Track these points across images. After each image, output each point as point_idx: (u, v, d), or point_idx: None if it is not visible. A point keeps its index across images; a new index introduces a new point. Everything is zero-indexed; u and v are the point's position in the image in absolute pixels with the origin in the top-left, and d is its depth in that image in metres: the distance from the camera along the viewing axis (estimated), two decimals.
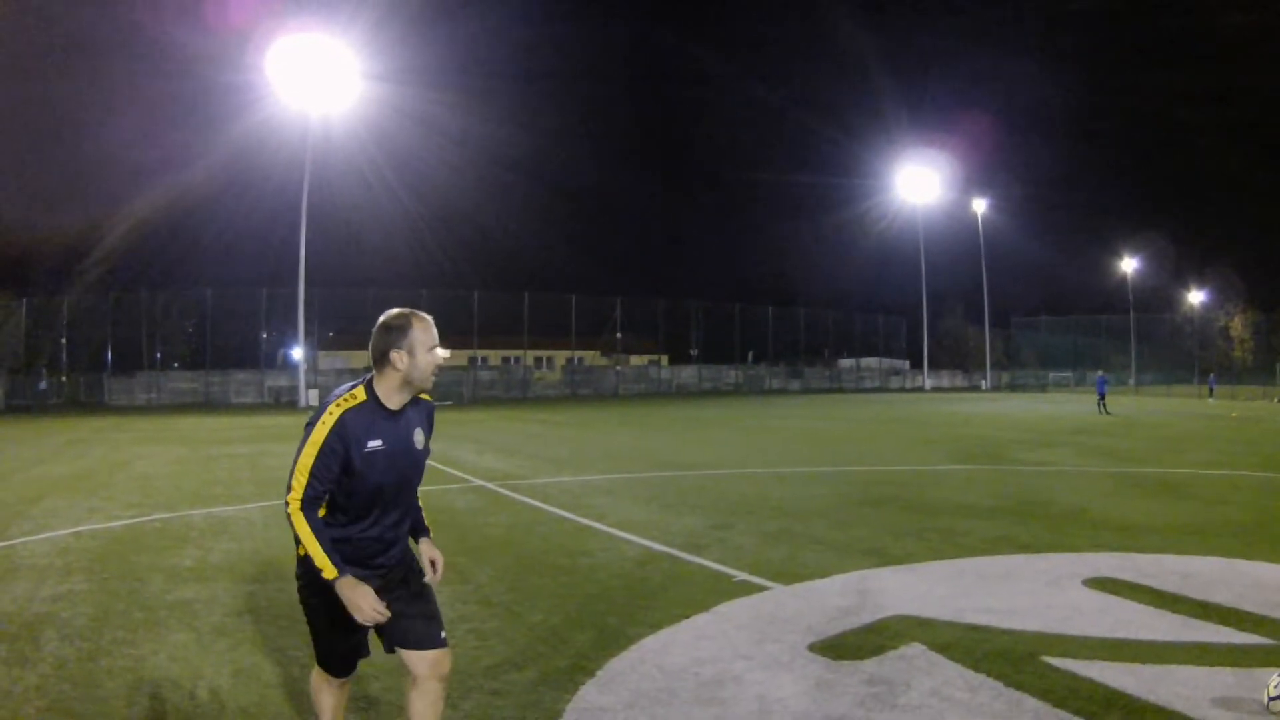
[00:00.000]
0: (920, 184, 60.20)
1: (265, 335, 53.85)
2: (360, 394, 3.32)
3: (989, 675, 5.25)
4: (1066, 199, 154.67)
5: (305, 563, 3.30)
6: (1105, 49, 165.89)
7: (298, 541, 3.27)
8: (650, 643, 5.82)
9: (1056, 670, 5.45)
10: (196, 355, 54.24)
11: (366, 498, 3.37)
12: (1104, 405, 36.17)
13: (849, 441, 20.49)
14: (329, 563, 3.20)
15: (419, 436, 3.49)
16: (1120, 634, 6.17)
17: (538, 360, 64.09)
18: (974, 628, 6.23)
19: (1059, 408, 40.37)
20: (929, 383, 59.95)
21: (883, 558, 8.36)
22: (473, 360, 57.37)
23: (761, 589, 7.14)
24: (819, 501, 11.54)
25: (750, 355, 58.16)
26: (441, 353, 3.39)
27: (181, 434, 25.20)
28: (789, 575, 7.58)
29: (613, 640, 5.85)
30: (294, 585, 3.53)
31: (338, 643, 3.52)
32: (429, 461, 3.73)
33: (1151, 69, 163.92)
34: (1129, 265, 76.72)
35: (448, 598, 6.45)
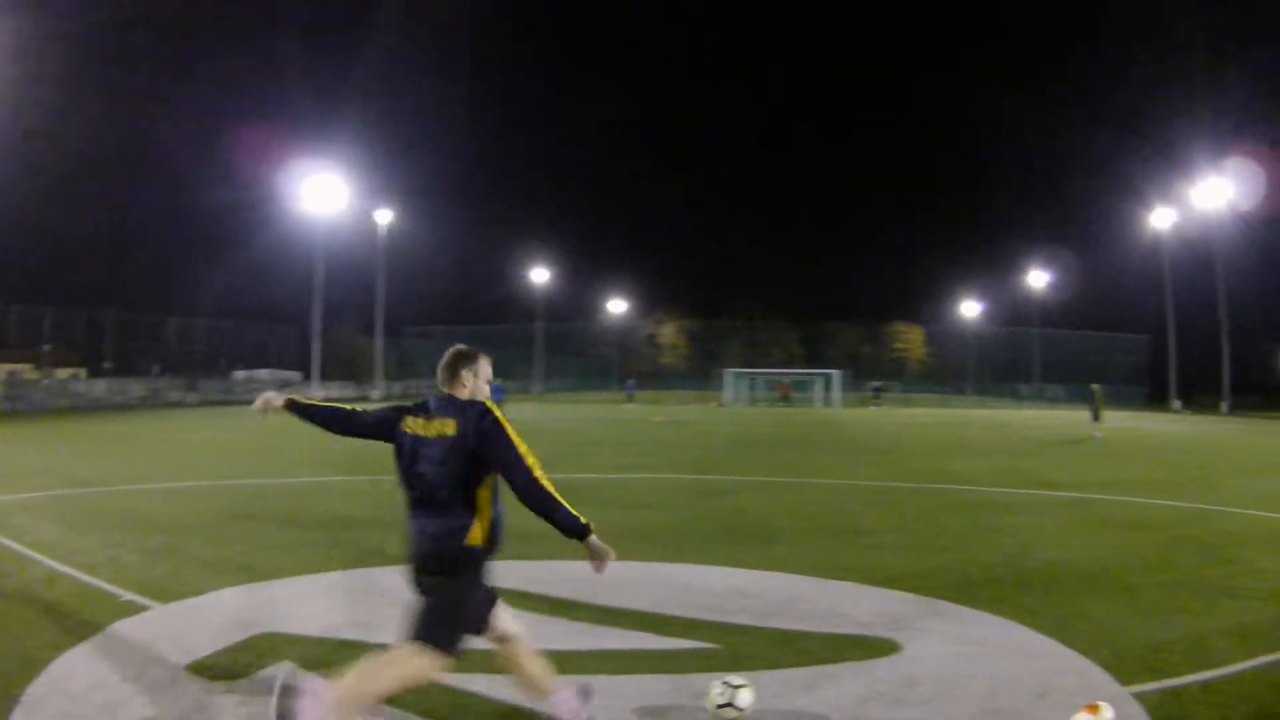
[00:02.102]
0: (324, 195, 63.96)
1: None
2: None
3: None
4: (472, 210, 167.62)
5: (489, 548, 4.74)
6: (499, 59, 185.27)
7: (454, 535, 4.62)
8: (58, 667, 5.92)
9: (436, 686, 5.37)
10: None
11: None
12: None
13: (237, 454, 20.86)
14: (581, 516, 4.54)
15: None
16: None
17: None
18: (343, 643, 6.39)
19: None
20: (320, 394, 61.79)
21: (255, 573, 8.62)
22: None
23: (145, 609, 7.32)
24: (201, 516, 11.79)
25: (155, 368, 60.48)
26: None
27: None
28: (170, 594, 7.76)
29: (30, 664, 5.93)
30: None
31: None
32: None
33: (558, 80, 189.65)
34: (540, 275, 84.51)
35: None
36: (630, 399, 68.98)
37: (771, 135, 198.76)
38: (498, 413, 4.65)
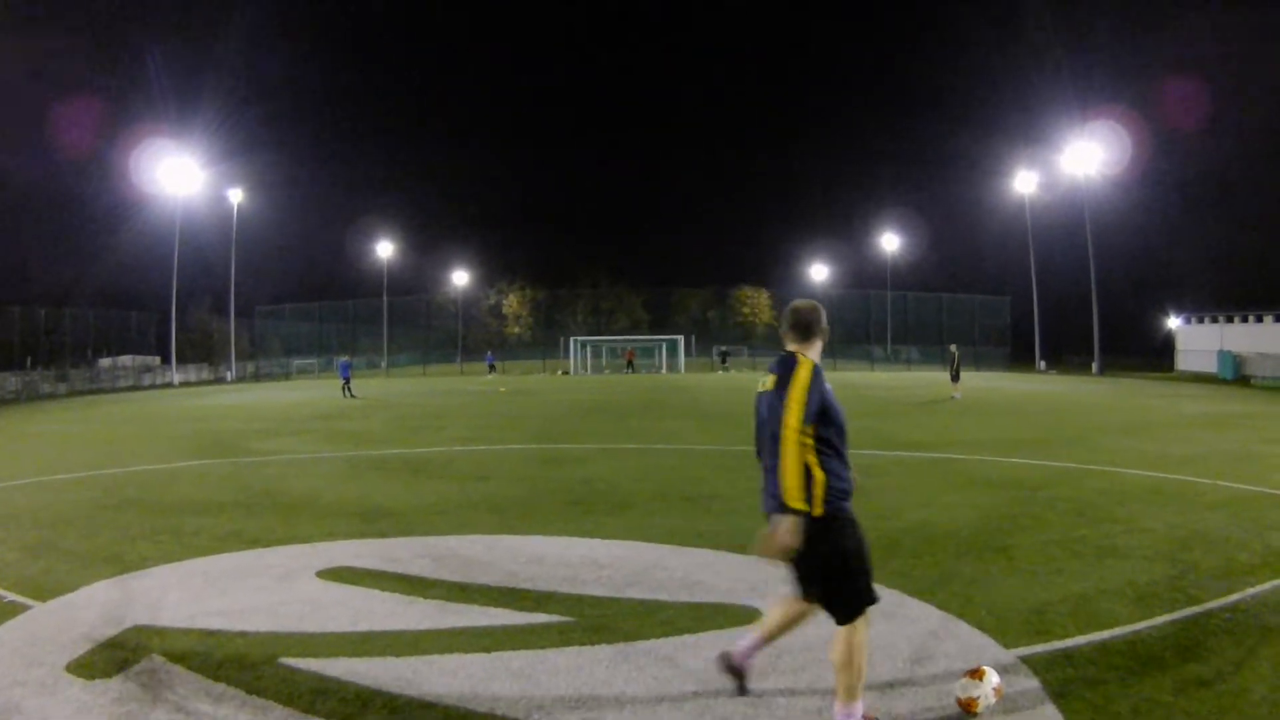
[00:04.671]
0: (178, 177, 62.34)
1: None
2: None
3: (229, 684, 5.40)
4: (320, 187, 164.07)
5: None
6: (342, 40, 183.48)
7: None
8: None
9: (298, 672, 5.53)
10: None
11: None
12: (349, 389, 39.18)
13: (102, 443, 20.05)
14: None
15: None
16: (364, 626, 6.43)
17: None
18: (208, 633, 6.36)
19: (303, 394, 41.91)
20: (177, 378, 60.21)
21: (122, 565, 8.41)
22: None
23: (25, 608, 7.11)
24: (72, 509, 11.42)
25: (30, 360, 57.41)
26: None
27: None
28: (46, 591, 7.57)
29: None
30: None
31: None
32: None
33: (396, 58, 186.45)
34: (385, 250, 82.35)
35: None
36: (491, 369, 68.53)
37: (612, 100, 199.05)
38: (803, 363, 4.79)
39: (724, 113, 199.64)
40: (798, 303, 5.17)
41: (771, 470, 4.60)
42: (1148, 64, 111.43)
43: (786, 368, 4.78)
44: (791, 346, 5.00)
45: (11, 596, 7.45)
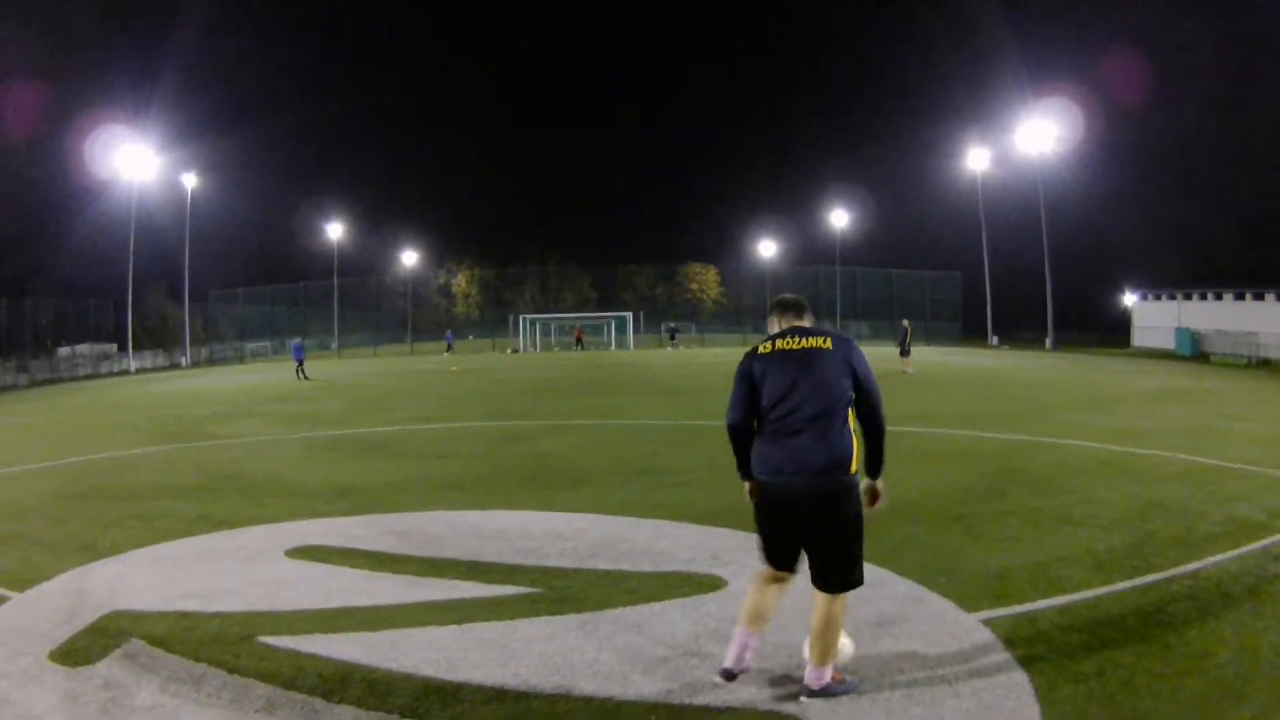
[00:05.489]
0: (132, 163, 61.14)
1: None
2: None
3: (209, 664, 5.45)
4: (270, 170, 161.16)
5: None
6: (289, 24, 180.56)
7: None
8: None
9: (275, 650, 5.60)
10: None
11: None
12: (302, 371, 38.89)
13: (62, 433, 19.89)
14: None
15: None
16: (336, 603, 6.53)
17: None
18: (184, 615, 6.39)
19: (258, 378, 41.12)
20: (134, 364, 59.16)
21: (95, 551, 8.36)
22: None
23: (4, 599, 7.00)
24: (39, 499, 11.30)
25: None
26: None
27: None
28: (23, 581, 7.44)
29: None
30: None
31: None
32: None
33: (344, 41, 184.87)
34: (335, 231, 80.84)
35: None
36: (449, 349, 68.23)
37: (557, 77, 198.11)
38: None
39: (671, 90, 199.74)
40: (789, 295, 5.59)
41: (826, 432, 4.81)
42: (1102, 39, 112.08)
43: (841, 337, 5.15)
44: (807, 323, 5.32)
45: None
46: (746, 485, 5.07)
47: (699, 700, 4.87)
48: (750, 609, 4.99)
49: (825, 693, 4.80)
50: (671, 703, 4.86)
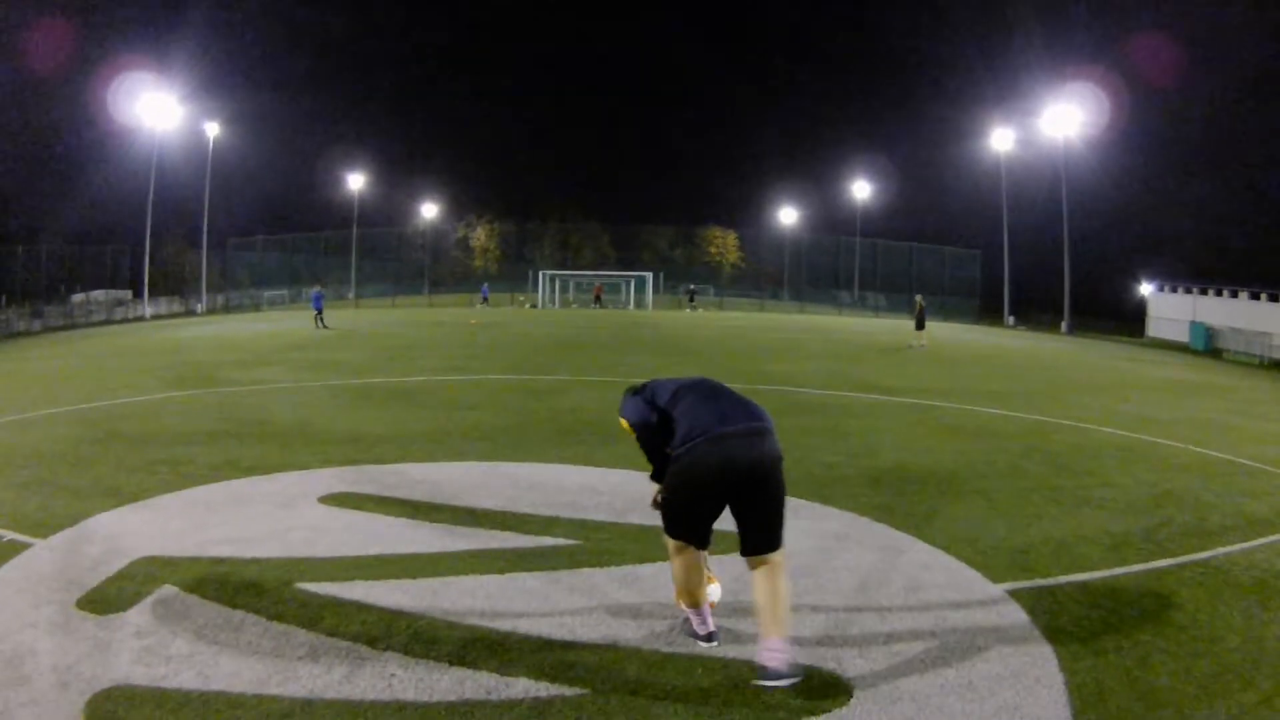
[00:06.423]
0: (154, 110, 60.66)
1: None
2: None
3: (248, 611, 5.28)
4: (294, 118, 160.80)
5: None
6: None
7: None
8: None
9: (316, 596, 5.43)
10: None
11: None
12: (321, 320, 37.68)
13: (83, 378, 19.63)
14: None
15: None
16: (375, 550, 6.37)
17: None
18: (218, 561, 6.20)
19: (276, 325, 40.29)
20: (149, 310, 59.00)
21: (121, 497, 8.08)
22: None
23: (26, 546, 6.72)
24: (61, 444, 10.98)
25: (5, 298, 56.01)
26: None
27: None
28: (46, 527, 7.18)
29: None
30: None
31: None
32: None
33: None
34: (356, 182, 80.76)
35: None
36: (485, 300, 68.27)
37: (582, 36, 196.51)
38: None
39: (699, 53, 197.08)
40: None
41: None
42: (1134, 24, 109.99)
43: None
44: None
45: (11, 535, 7.13)
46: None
47: (745, 654, 4.83)
48: (696, 586, 5.11)
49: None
50: (716, 656, 4.87)
